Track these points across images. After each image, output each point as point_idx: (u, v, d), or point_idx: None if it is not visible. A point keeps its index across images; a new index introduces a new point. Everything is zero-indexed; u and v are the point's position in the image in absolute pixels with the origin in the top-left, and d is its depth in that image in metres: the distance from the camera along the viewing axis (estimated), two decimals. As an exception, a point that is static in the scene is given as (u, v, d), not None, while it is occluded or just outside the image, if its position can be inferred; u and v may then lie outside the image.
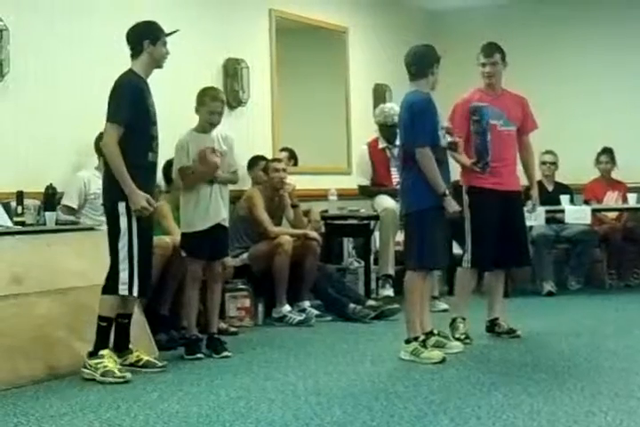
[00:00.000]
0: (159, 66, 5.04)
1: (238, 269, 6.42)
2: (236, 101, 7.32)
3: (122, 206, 4.78)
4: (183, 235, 5.43)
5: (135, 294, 4.82)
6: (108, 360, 4.74)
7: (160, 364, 5.01)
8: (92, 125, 5.38)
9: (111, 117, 4.82)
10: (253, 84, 7.49)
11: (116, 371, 4.70)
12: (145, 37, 4.95)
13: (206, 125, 5.39)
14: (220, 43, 7.27)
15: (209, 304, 5.48)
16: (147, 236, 4.92)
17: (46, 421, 3.96)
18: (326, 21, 8.40)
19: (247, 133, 7.25)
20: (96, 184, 5.56)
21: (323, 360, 5.24)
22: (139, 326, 5.15)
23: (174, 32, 5.08)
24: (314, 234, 6.74)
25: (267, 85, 7.76)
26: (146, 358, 4.99)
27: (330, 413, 4.00)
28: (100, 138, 5.40)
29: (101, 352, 4.75)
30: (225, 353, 5.35)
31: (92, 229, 5.37)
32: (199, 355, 5.29)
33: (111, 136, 4.80)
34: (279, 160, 7.02)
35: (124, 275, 4.77)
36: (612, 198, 8.40)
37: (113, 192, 4.83)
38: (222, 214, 5.43)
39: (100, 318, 4.81)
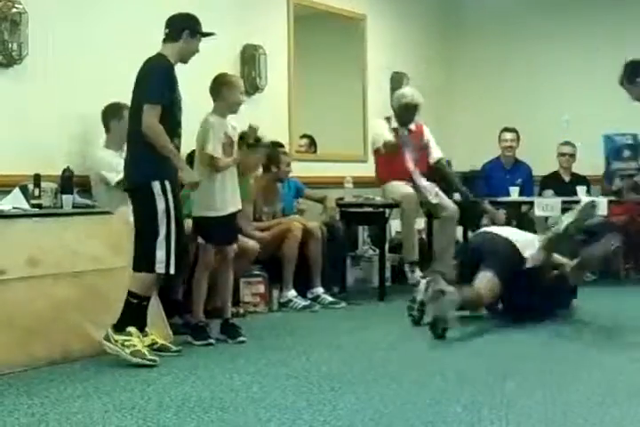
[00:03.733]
0: (185, 60, 5.04)
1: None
2: (253, 88, 7.30)
3: (156, 186, 4.78)
4: (200, 219, 5.41)
5: (172, 271, 4.83)
6: (137, 339, 4.73)
7: (175, 348, 5.02)
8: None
9: (151, 98, 4.78)
10: (271, 71, 7.48)
11: (146, 352, 4.70)
12: (187, 27, 4.96)
13: (232, 108, 5.40)
14: (238, 29, 7.25)
15: (222, 290, 5.48)
16: (180, 214, 4.92)
17: (60, 403, 3.97)
18: (344, 8, 8.37)
19: (265, 120, 7.23)
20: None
21: (335, 347, 5.24)
22: (153, 309, 5.14)
23: (211, 34, 5.09)
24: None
25: (284, 72, 7.74)
26: (161, 341, 5.00)
27: (343, 399, 4.00)
28: (106, 112, 5.37)
29: (129, 329, 4.74)
30: (240, 338, 5.35)
31: (108, 212, 5.36)
32: (211, 340, 5.29)
33: (152, 116, 4.75)
34: (287, 153, 7.01)
35: (160, 254, 4.77)
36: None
37: (144, 172, 4.82)
38: (239, 201, 5.45)
39: (131, 295, 4.79)
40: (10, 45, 5.47)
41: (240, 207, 5.48)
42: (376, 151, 7.35)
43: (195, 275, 5.43)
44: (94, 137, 5.91)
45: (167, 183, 4.80)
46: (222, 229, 5.37)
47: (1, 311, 4.61)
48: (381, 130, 7.34)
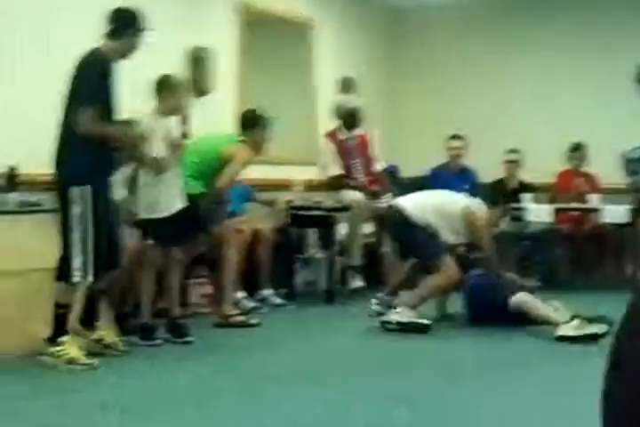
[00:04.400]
0: (126, 57, 4.95)
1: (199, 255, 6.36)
2: (199, 91, 7.26)
3: (74, 191, 4.65)
4: (147, 221, 5.36)
5: (90, 279, 4.70)
6: (70, 347, 4.63)
7: (122, 348, 4.96)
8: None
9: (86, 101, 4.68)
10: (218, 74, 7.45)
11: (82, 357, 4.61)
12: (133, 25, 4.88)
13: (174, 110, 5.38)
14: (187, 31, 7.21)
15: (169, 289, 5.43)
16: (104, 221, 4.75)
17: (2, 403, 3.90)
18: (293, 13, 8.38)
19: (211, 123, 7.20)
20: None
21: (282, 349, 5.22)
22: (104, 309, 5.08)
23: (150, 30, 4.99)
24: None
25: (232, 75, 7.71)
26: (109, 339, 4.94)
27: (286, 402, 3.96)
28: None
29: (62, 339, 4.64)
30: (187, 338, 5.31)
31: (54, 211, 5.28)
32: (158, 341, 5.24)
33: (89, 119, 4.64)
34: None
35: (76, 261, 4.65)
36: (580, 183, 8.37)
37: (64, 176, 4.73)
38: (180, 199, 5.40)
39: (57, 306, 4.73)
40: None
41: (186, 204, 5.41)
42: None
43: (140, 275, 5.37)
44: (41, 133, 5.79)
45: (89, 189, 4.66)
46: (169, 229, 5.32)
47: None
48: (329, 159, 7.46)
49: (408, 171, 8.62)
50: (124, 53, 4.92)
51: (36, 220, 5.11)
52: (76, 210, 4.65)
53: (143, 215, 5.35)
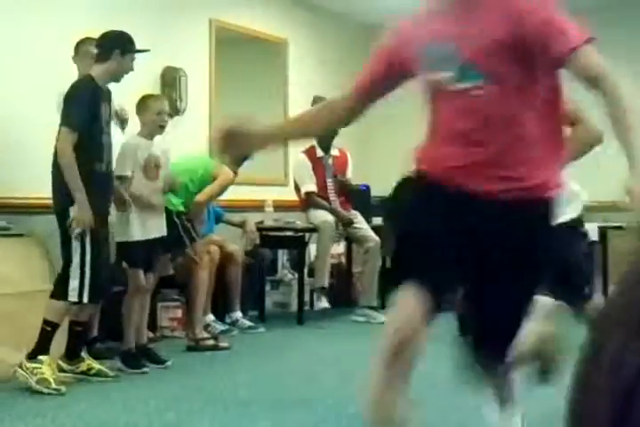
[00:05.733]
0: (117, 80, 4.98)
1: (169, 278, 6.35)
2: (173, 110, 7.25)
3: (72, 211, 4.70)
4: (121, 244, 5.30)
5: (85, 300, 4.72)
6: (46, 368, 4.62)
7: (111, 373, 4.94)
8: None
9: (67, 123, 4.72)
10: (192, 94, 7.47)
11: (52, 381, 4.58)
12: (116, 46, 4.91)
13: (155, 129, 5.33)
14: (159, 51, 7.15)
15: (140, 316, 5.36)
16: (101, 242, 4.82)
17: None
18: (266, 33, 8.41)
19: (185, 142, 7.20)
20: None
21: (253, 371, 5.22)
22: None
23: (145, 51, 5.07)
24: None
25: (205, 95, 7.74)
26: (97, 366, 4.92)
27: (258, 425, 3.97)
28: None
29: (41, 357, 4.63)
30: (167, 363, 5.29)
31: (22, 235, 5.27)
32: (145, 369, 5.17)
33: (67, 142, 4.68)
34: None
35: (74, 282, 4.68)
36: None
37: (63, 197, 4.73)
38: (164, 226, 5.41)
39: (46, 322, 4.70)
40: None
41: (164, 233, 5.40)
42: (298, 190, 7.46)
43: (124, 301, 5.31)
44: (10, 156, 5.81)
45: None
46: (141, 254, 5.30)
47: None
48: (304, 175, 7.47)
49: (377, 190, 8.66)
50: (114, 75, 4.95)
51: (3, 243, 5.08)
52: (75, 231, 4.67)
53: (117, 238, 5.31)
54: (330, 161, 7.56)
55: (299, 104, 8.71)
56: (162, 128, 5.36)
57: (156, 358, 5.33)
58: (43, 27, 6.11)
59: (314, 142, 7.47)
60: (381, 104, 2.94)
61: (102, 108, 4.87)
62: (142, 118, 5.35)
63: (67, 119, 4.74)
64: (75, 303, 4.75)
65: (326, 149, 7.50)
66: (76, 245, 4.69)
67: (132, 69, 5.01)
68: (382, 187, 8.72)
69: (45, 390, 4.54)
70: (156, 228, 5.34)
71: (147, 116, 5.32)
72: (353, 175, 7.85)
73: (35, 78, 5.92)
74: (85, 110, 4.75)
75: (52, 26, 6.15)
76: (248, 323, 6.70)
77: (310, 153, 7.53)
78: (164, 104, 5.44)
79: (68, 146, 4.67)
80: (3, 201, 5.66)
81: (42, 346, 4.68)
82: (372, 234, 7.32)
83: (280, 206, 7.69)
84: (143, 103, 5.38)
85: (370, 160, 9.28)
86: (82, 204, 4.66)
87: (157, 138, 5.42)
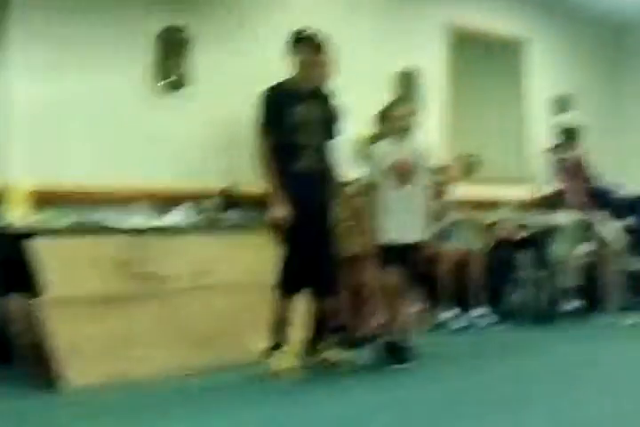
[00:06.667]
0: (307, 78, 4.99)
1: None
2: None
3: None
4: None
5: (290, 293, 4.86)
6: (283, 359, 4.81)
7: (351, 363, 5.02)
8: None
9: (259, 127, 4.88)
10: (428, 95, 7.50)
11: (287, 371, 4.74)
12: (296, 43, 4.98)
13: (399, 131, 5.21)
14: (395, 53, 7.31)
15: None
16: (309, 235, 4.87)
17: (215, 411, 4.05)
18: (504, 33, 8.33)
19: (421, 143, 7.25)
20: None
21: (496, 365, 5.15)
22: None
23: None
24: None
25: (442, 96, 7.75)
26: (333, 359, 5.02)
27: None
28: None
29: (280, 348, 4.83)
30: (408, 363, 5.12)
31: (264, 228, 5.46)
32: (406, 364, 5.06)
33: (262, 144, 4.86)
34: None
35: (283, 275, 4.84)
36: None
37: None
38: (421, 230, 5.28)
39: (275, 316, 4.88)
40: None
41: (424, 238, 5.23)
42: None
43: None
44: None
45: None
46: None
47: (164, 319, 4.82)
48: (548, 175, 7.44)
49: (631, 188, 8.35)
50: (304, 74, 4.98)
51: (251, 237, 5.29)
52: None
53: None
54: (571, 161, 7.39)
55: (536, 103, 8.57)
56: (405, 131, 5.24)
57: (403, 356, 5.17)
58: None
59: (555, 142, 7.36)
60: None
61: (295, 107, 4.94)
62: (386, 122, 5.31)
63: (259, 123, 4.93)
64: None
65: (568, 149, 7.34)
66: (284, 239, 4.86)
67: (314, 67, 4.99)
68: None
69: (284, 378, 4.69)
70: (410, 231, 5.21)
71: (390, 119, 5.25)
72: (604, 173, 7.63)
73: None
74: (273, 112, 4.91)
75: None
76: (487, 320, 6.63)
77: (551, 153, 7.41)
78: (406, 107, 5.35)
79: (264, 147, 4.89)
80: (248, 196, 5.80)
81: (275, 338, 4.85)
82: (617, 235, 7.08)
83: (519, 205, 7.55)
84: (389, 107, 5.30)
85: (624, 156, 8.96)
86: (275, 202, 4.84)
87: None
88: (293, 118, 4.88)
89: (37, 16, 5.17)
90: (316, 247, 4.90)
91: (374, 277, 5.43)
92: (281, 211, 4.78)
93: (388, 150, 5.19)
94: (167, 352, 4.75)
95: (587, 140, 7.72)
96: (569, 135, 7.36)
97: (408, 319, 5.36)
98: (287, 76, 5.00)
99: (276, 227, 4.83)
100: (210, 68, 5.94)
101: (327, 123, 5.06)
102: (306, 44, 4.95)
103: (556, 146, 7.53)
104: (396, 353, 5.12)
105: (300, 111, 4.91)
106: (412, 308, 6.36)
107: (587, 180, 7.39)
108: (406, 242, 5.11)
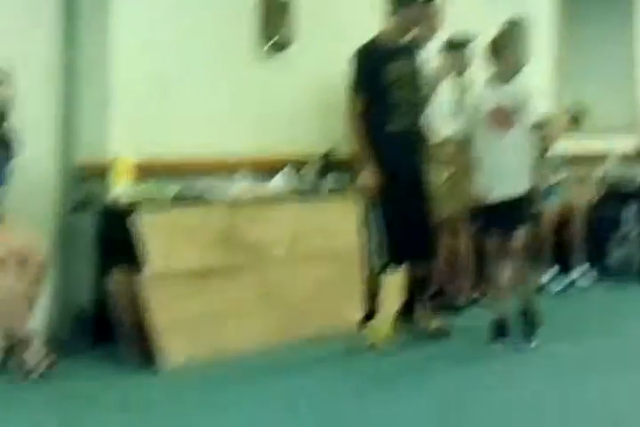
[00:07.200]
0: (408, 32, 4.92)
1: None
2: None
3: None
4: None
5: (394, 261, 4.88)
6: (379, 329, 4.89)
7: (448, 331, 5.06)
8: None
9: (351, 87, 4.84)
10: (537, 40, 7.29)
11: (383, 342, 4.81)
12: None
13: (507, 73, 4.89)
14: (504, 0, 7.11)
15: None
16: (403, 201, 4.82)
17: (315, 384, 4.17)
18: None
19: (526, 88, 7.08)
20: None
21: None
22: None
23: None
24: None
25: (550, 41, 7.54)
26: (434, 326, 5.06)
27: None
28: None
29: (376, 318, 4.90)
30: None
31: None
32: (503, 342, 4.89)
33: (354, 104, 4.83)
34: None
35: (387, 246, 4.84)
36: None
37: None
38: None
39: (370, 285, 4.93)
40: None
41: (523, 189, 4.87)
42: None
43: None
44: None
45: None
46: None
47: (263, 289, 4.89)
48: None
49: None
50: (405, 29, 4.91)
51: (347, 204, 5.21)
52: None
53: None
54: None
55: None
56: (514, 72, 4.90)
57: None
58: None
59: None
60: None
61: (391, 64, 4.89)
62: (499, 61, 4.90)
63: (351, 84, 4.90)
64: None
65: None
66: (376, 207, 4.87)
67: (423, 20, 5.05)
68: None
69: (373, 348, 4.77)
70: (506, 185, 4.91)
71: (500, 59, 4.87)
72: None
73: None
74: (365, 72, 4.88)
75: None
76: (589, 279, 6.56)
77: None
78: (515, 42, 5.12)
79: (355, 110, 4.89)
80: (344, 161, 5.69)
81: (373, 308, 4.91)
82: None
83: (627, 157, 7.35)
84: (494, 46, 4.93)
85: None
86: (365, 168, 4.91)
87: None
88: (388, 76, 4.81)
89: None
90: (412, 212, 4.87)
91: (468, 241, 5.43)
92: (370, 177, 4.76)
93: (486, 96, 4.91)
94: (265, 324, 4.84)
95: None
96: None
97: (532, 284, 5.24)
98: (379, 33, 4.91)
99: (367, 193, 4.83)
100: (312, 28, 5.84)
101: (421, 79, 4.97)
102: None
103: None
104: (527, 319, 4.93)
105: (395, 68, 4.83)
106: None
107: None
108: (508, 197, 4.80)
